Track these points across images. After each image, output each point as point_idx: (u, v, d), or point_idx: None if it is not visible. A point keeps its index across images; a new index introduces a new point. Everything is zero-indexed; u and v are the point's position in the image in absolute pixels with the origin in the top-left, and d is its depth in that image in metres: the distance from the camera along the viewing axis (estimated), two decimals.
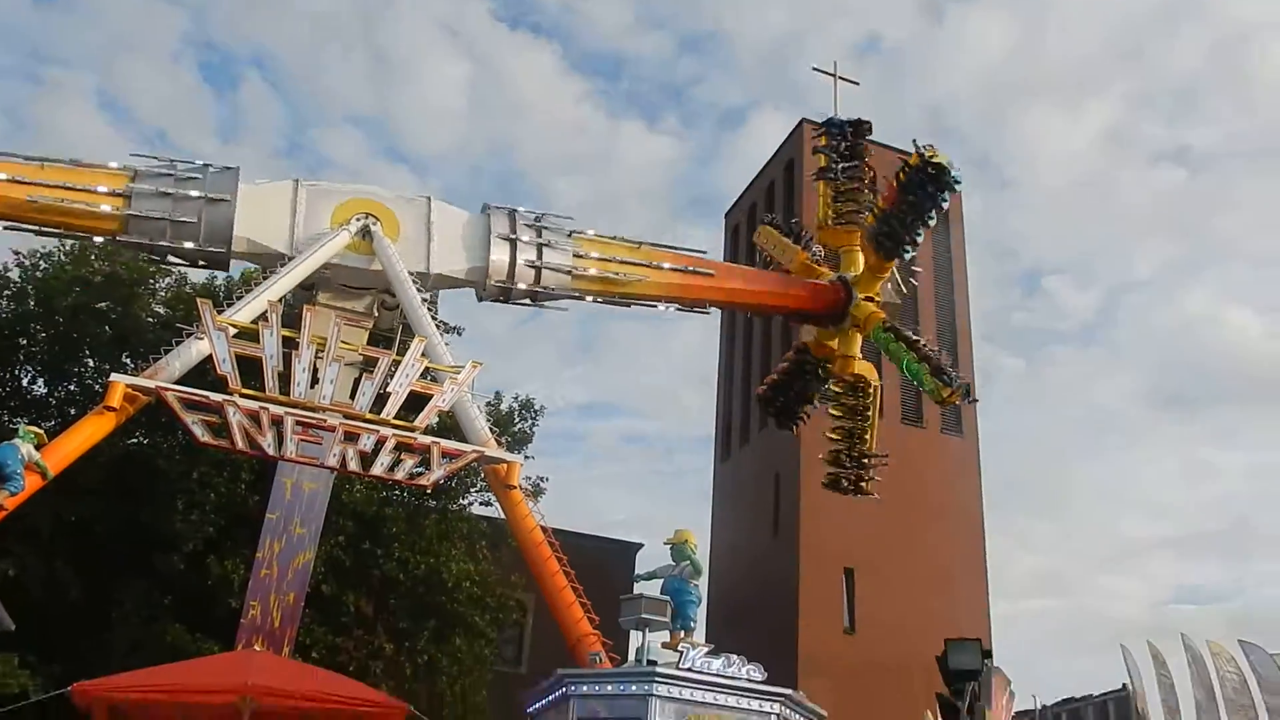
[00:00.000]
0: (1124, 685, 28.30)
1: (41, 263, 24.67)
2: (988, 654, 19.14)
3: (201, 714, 14.86)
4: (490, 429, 20.01)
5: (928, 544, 36.31)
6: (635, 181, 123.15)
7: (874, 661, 30.22)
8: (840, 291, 21.88)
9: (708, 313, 23.32)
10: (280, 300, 17.86)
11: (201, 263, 19.92)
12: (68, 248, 24.74)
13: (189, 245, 19.02)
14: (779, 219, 25.46)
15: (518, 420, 27.57)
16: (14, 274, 24.68)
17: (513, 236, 20.73)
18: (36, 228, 18.63)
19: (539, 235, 20.98)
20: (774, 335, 41.25)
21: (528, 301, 21.13)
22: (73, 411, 22.86)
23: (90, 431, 16.33)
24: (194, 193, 18.92)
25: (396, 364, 17.04)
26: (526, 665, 33.17)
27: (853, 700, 27.93)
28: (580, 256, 21.07)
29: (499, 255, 20.64)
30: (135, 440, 23.32)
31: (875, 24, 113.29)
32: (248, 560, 19.44)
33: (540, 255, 20.75)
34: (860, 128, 22.08)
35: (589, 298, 21.77)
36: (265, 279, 19.17)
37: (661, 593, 16.05)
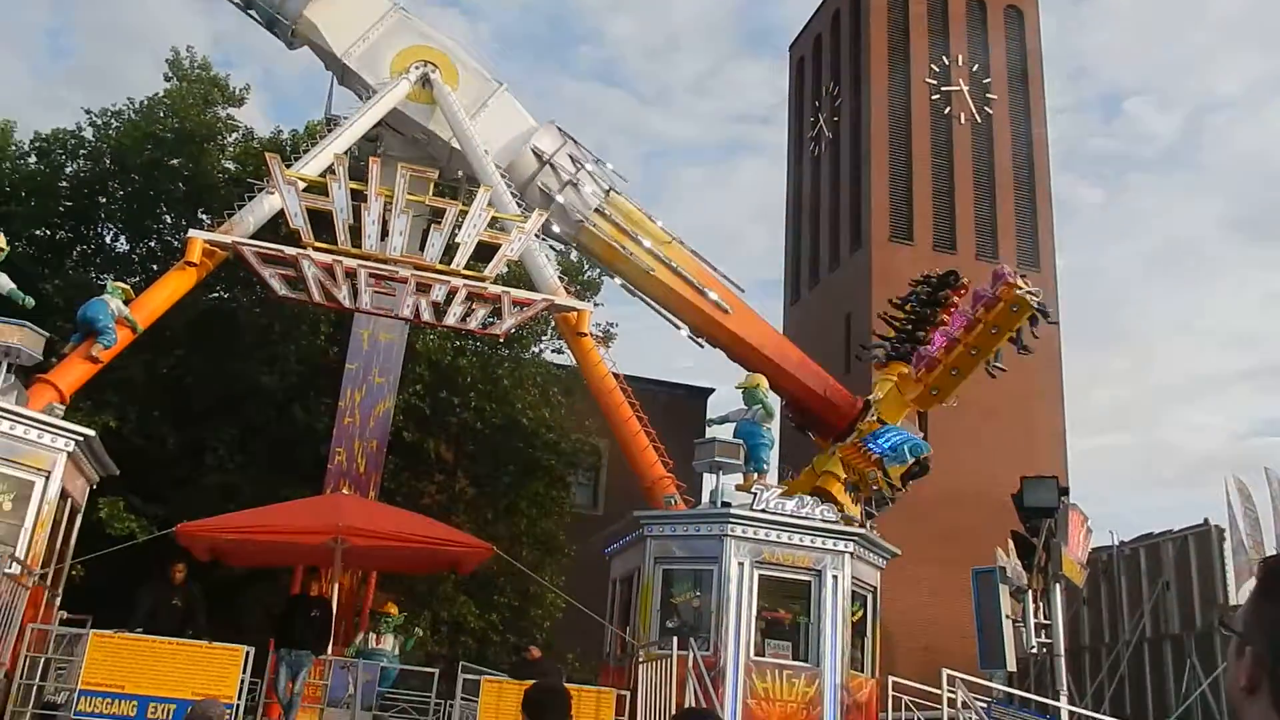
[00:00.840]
0: (1204, 520, 28.24)
1: (113, 120, 24.90)
2: (1064, 491, 19.20)
3: (296, 553, 15.65)
4: (559, 277, 20.11)
5: (1004, 379, 36.05)
6: (693, 15, 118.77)
7: (949, 498, 30.50)
8: (856, 410, 20.24)
9: (700, 345, 21.24)
10: (346, 153, 17.88)
11: (269, 27, 20.56)
12: (137, 104, 24.92)
13: (261, 2, 20.22)
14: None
15: (586, 268, 27.60)
16: (88, 133, 24.99)
17: (546, 157, 20.31)
18: None
19: (576, 172, 20.36)
20: (843, 173, 40.36)
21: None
22: (155, 267, 23.42)
23: (174, 286, 16.79)
24: None
25: (463, 214, 17.06)
26: (603, 508, 34.13)
27: (926, 537, 28.41)
28: (601, 214, 20.24)
29: (524, 165, 20.33)
30: (216, 295, 23.89)
31: None
32: (331, 409, 20.10)
33: (561, 188, 20.16)
34: (946, 279, 19.99)
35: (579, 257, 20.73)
36: (329, 131, 19.26)
37: (734, 436, 16.31)
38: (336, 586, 16.19)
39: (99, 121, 24.99)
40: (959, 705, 15.01)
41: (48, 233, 24.77)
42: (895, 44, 39.61)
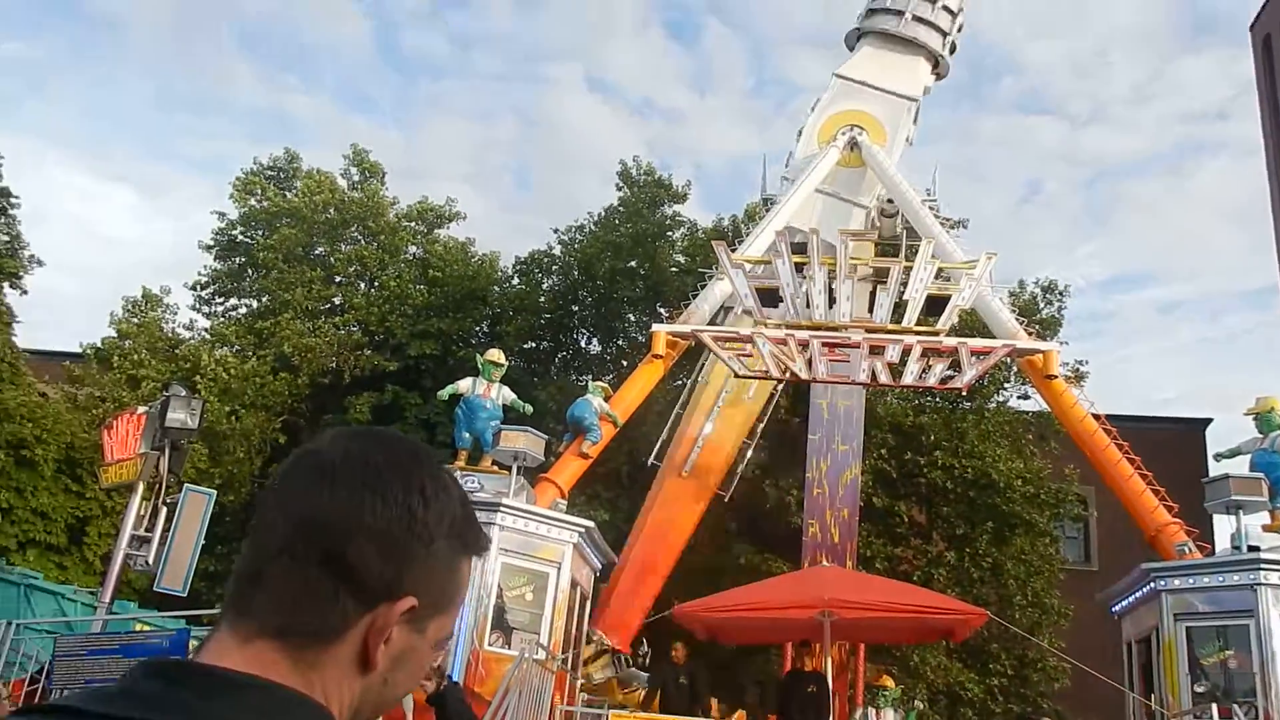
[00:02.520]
0: None
1: (577, 235, 27.63)
2: None
3: (785, 628, 15.81)
4: (1016, 319, 19.04)
5: None
6: (1119, 21, 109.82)
7: None
8: None
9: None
10: (785, 229, 18.29)
11: None
12: (595, 217, 27.49)
13: None
14: None
15: (1042, 306, 25.94)
16: (557, 250, 27.90)
17: None
18: None
19: None
20: None
21: None
22: (624, 363, 25.34)
23: (645, 379, 17.99)
24: None
25: (908, 270, 16.72)
26: (1097, 562, 31.39)
27: None
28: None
29: None
30: (679, 381, 25.32)
31: None
32: (799, 481, 20.33)
33: None
34: None
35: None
36: (767, 211, 19.86)
37: (1250, 470, 14.35)
38: (828, 660, 16.13)
39: (565, 239, 27.85)
40: None
41: (533, 344, 27.81)
42: None
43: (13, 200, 23.79)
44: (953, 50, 22.53)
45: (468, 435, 15.14)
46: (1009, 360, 18.55)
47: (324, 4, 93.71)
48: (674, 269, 26.50)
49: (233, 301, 30.45)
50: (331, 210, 28.64)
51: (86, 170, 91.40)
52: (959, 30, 22.32)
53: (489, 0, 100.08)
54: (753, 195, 23.49)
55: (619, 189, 27.62)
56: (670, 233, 27.45)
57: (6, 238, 23.67)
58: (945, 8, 21.97)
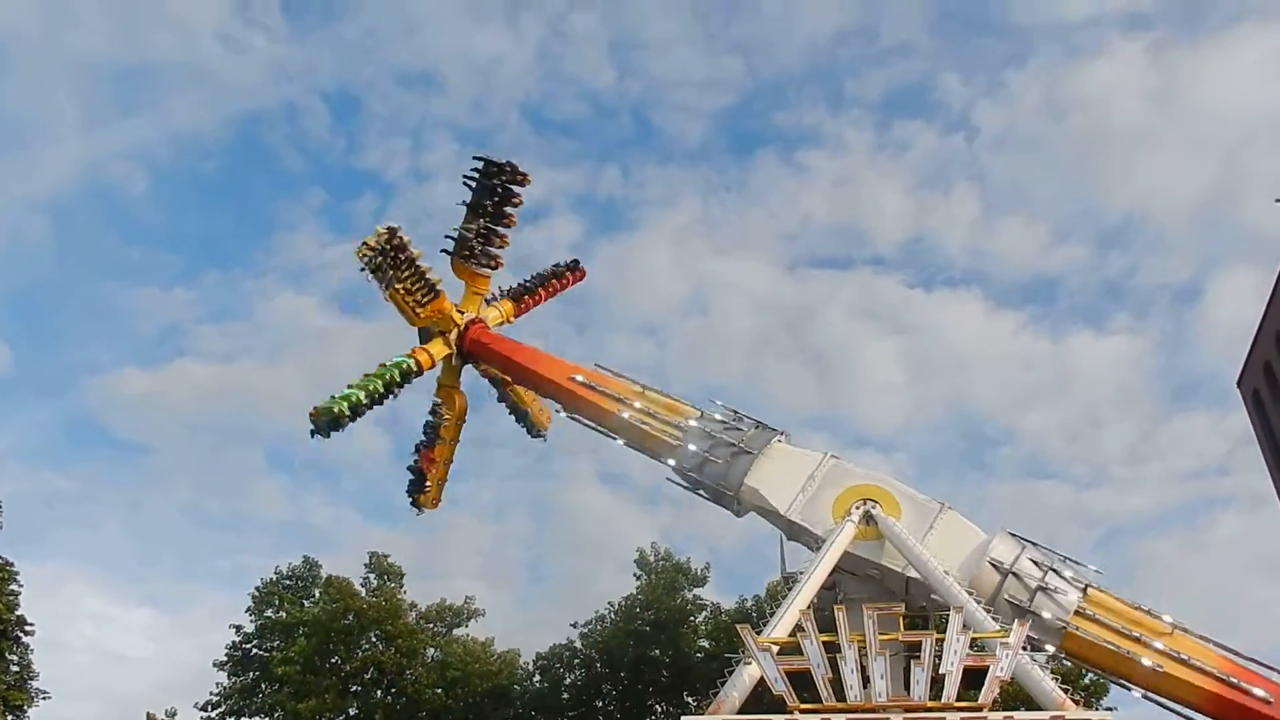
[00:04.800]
0: None
1: (597, 626, 27.16)
2: None
3: None
4: (1059, 686, 18.26)
5: None
6: (1105, 391, 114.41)
7: None
8: None
9: None
10: (810, 607, 18.03)
11: (718, 501, 22.72)
12: (616, 606, 27.15)
13: (708, 482, 22.40)
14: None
15: (1085, 671, 24.95)
16: (578, 643, 27.32)
17: (1005, 567, 19.95)
18: (619, 440, 23.87)
19: (1043, 576, 19.85)
20: None
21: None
22: None
23: None
24: (730, 439, 22.38)
25: (940, 642, 16.29)
26: None
27: None
28: (1083, 615, 19.26)
29: (986, 580, 19.96)
30: None
31: None
32: None
33: (1032, 596, 19.52)
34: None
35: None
36: (789, 590, 19.64)
37: None
38: None
39: (585, 630, 27.37)
40: None
41: None
42: None
43: (28, 628, 23.81)
44: None
45: None
46: None
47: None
48: (699, 654, 25.86)
49: None
50: (350, 616, 28.43)
51: (106, 590, 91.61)
52: None
53: (502, 409, 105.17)
54: (772, 574, 23.48)
55: (637, 576, 27.60)
56: (693, 617, 27.10)
57: (17, 668, 23.47)
58: (729, 414, 23.39)
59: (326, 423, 23.66)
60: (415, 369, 25.00)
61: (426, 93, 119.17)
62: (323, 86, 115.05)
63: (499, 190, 25.79)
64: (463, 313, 26.26)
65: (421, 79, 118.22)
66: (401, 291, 24.85)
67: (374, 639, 28.65)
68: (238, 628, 29.58)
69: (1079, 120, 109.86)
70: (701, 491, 22.84)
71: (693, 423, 22.93)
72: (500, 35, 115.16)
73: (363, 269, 24.14)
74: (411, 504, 26.33)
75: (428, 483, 26.21)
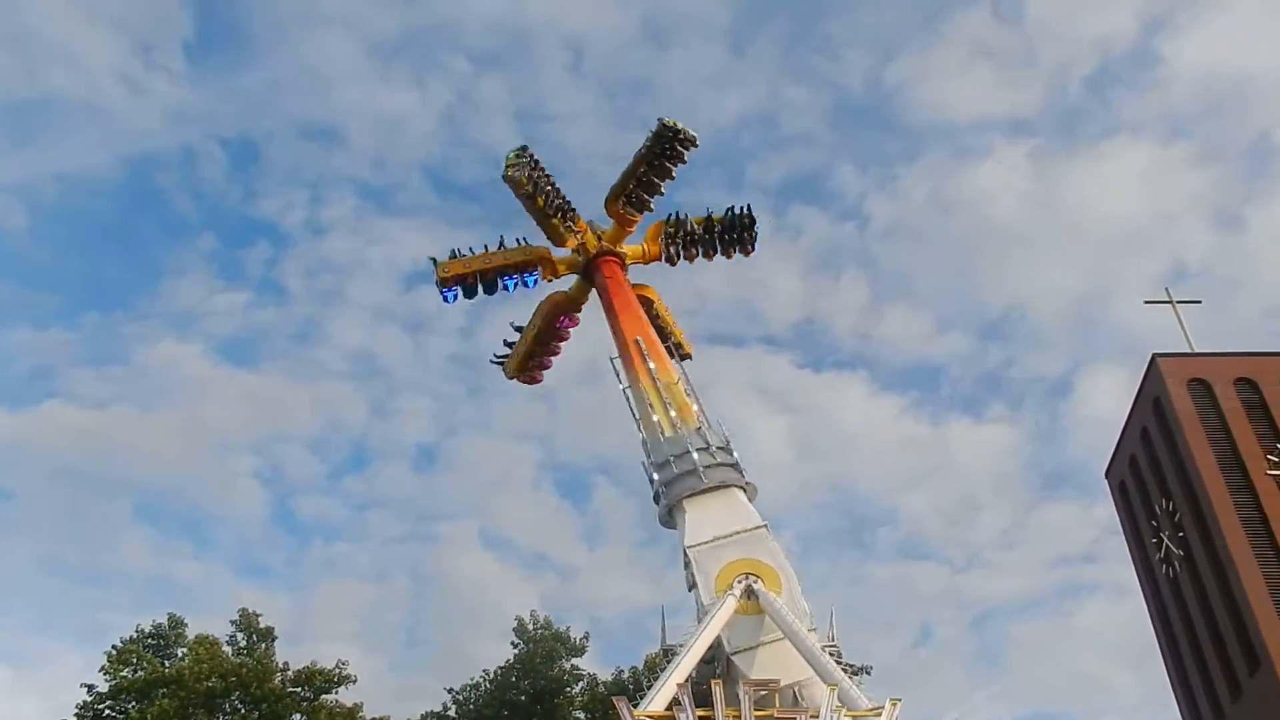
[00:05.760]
0: None
1: (472, 694, 26.54)
2: None
3: None
4: None
5: None
6: (981, 478, 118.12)
7: None
8: None
9: None
10: (687, 680, 17.97)
11: (655, 500, 24.48)
12: (492, 675, 26.60)
13: (658, 480, 25.00)
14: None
15: None
16: (452, 711, 26.64)
17: None
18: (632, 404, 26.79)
19: None
20: (1210, 591, 36.38)
21: None
22: None
23: None
24: (702, 462, 24.18)
25: (814, 718, 16.39)
26: None
27: None
28: None
29: None
30: None
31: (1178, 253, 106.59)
32: None
33: None
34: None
35: None
36: (668, 662, 19.56)
37: None
38: None
39: (460, 698, 26.73)
40: None
41: None
42: (1219, 443, 37.19)
43: None
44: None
45: None
46: None
47: (224, 477, 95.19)
48: None
49: None
50: (214, 679, 27.26)
51: None
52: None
53: (386, 467, 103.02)
54: (651, 646, 23.30)
55: (514, 645, 27.17)
56: (569, 688, 26.70)
57: None
58: (720, 448, 24.75)
59: (455, 277, 28.43)
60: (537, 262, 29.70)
61: (329, 146, 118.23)
62: (222, 133, 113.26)
63: (669, 149, 29.02)
64: (599, 239, 30.34)
65: (324, 133, 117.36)
66: (543, 203, 28.88)
67: (237, 702, 27.47)
68: (90, 687, 28.09)
69: (964, 217, 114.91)
70: (652, 482, 24.88)
71: (686, 431, 24.61)
72: (407, 95, 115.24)
73: (513, 176, 28.06)
74: (494, 362, 31.35)
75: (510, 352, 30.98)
